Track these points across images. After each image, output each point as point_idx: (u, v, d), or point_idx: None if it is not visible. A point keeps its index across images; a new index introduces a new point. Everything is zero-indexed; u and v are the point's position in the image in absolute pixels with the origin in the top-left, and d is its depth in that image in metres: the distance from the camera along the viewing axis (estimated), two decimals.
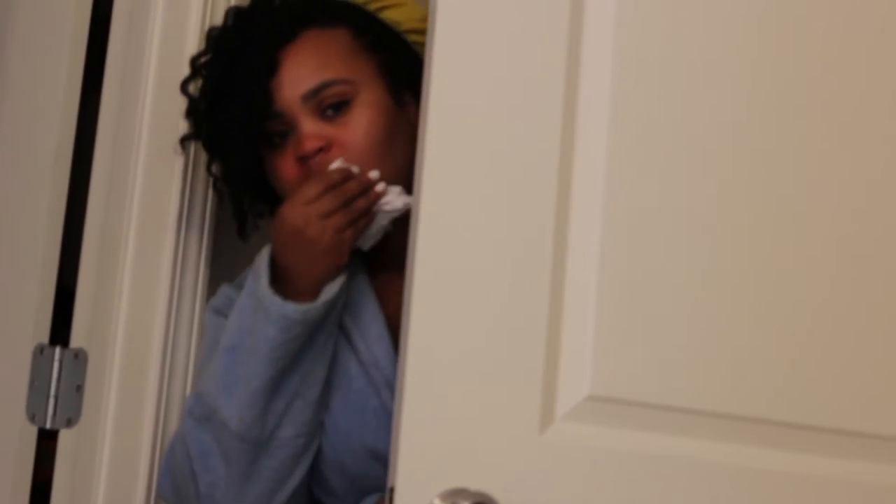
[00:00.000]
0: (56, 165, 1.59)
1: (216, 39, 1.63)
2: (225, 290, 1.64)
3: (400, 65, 1.60)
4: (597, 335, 1.25)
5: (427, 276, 1.23)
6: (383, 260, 1.59)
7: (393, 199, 1.49)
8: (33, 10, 1.69)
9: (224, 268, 1.77)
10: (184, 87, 1.63)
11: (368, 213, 1.49)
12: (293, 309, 1.44)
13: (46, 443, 1.60)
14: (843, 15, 1.37)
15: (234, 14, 1.63)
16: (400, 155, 1.55)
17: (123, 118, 1.67)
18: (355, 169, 1.48)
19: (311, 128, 1.54)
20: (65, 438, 1.61)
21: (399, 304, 1.55)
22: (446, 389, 1.21)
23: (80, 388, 1.61)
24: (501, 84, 1.28)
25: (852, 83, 1.36)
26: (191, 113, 1.64)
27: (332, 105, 1.54)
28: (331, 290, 1.47)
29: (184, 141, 1.67)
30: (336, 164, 1.49)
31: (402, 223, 1.55)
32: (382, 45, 1.60)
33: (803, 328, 1.31)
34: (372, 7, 1.63)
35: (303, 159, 1.53)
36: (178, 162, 1.70)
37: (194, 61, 1.64)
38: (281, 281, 1.47)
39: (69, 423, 1.60)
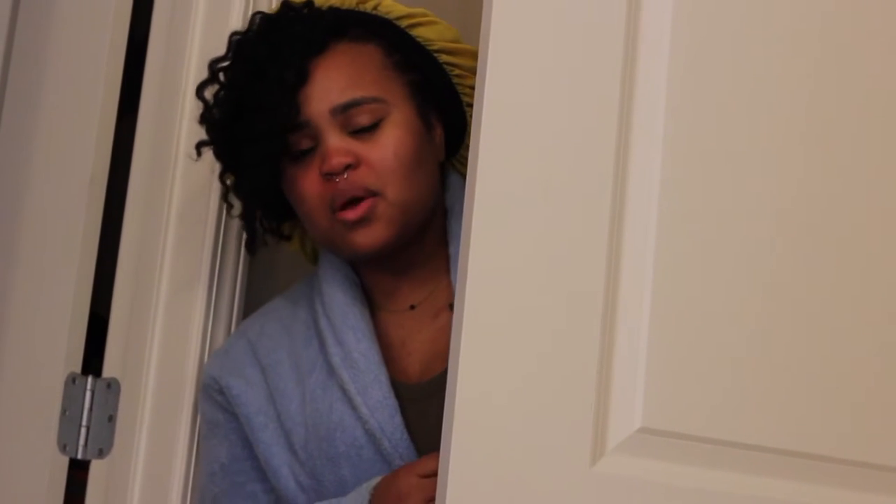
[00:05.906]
0: (91, 190, 1.58)
1: (240, 44, 1.58)
2: (210, 372, 1.62)
3: (429, 85, 1.58)
4: (648, 367, 1.24)
5: (477, 308, 1.21)
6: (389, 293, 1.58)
7: None
8: (70, 32, 1.69)
9: (258, 296, 1.75)
10: (199, 91, 1.59)
11: None
12: None
13: (78, 473, 1.60)
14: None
15: (261, 19, 1.58)
16: (425, 179, 1.54)
17: (160, 141, 1.66)
18: None
19: (338, 143, 1.50)
20: (96, 469, 1.60)
21: (400, 338, 1.56)
22: (497, 421, 1.20)
23: (112, 419, 1.60)
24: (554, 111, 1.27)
25: None
26: (205, 119, 1.58)
27: (360, 124, 1.51)
28: None
29: (199, 147, 1.60)
30: None
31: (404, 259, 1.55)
32: (413, 64, 1.57)
33: (858, 364, 1.29)
34: (404, 24, 1.60)
35: (328, 176, 1.49)
36: (215, 188, 1.68)
37: (214, 65, 1.58)
38: None
39: (101, 453, 1.59)
